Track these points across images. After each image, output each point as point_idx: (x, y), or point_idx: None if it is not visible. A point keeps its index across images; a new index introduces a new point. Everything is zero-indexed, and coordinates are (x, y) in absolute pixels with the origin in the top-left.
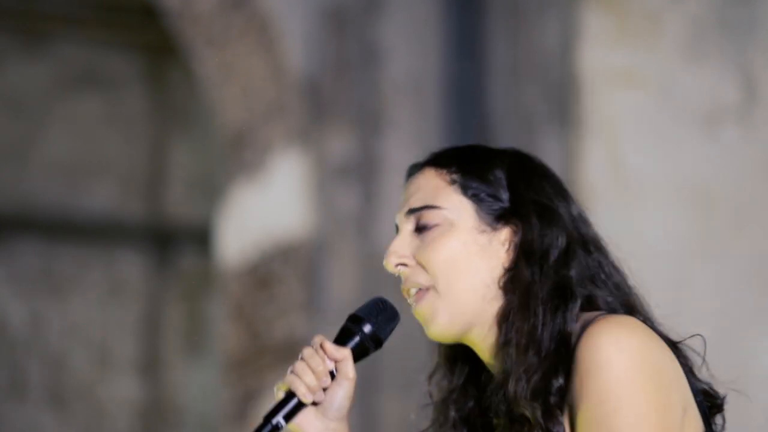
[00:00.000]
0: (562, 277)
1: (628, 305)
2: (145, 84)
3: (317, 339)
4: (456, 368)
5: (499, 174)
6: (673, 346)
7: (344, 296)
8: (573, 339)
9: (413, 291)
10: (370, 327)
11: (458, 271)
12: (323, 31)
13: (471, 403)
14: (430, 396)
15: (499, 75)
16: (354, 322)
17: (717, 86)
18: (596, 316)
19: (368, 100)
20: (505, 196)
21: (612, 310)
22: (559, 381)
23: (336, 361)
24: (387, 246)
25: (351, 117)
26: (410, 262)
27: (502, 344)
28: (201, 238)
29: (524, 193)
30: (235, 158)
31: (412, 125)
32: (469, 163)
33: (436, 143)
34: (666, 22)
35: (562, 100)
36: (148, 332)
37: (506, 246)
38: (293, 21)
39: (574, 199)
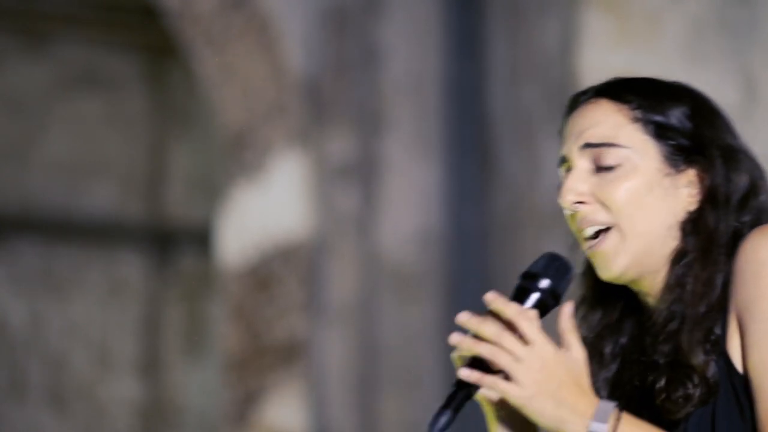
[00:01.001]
0: (740, 224)
1: None
2: (145, 84)
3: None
4: (609, 303)
5: (682, 111)
6: None
7: (344, 296)
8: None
9: (590, 231)
10: (548, 282)
11: (642, 213)
12: (323, 31)
13: (624, 339)
14: (591, 333)
15: (499, 75)
16: (529, 279)
17: (717, 86)
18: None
19: (368, 100)
20: (688, 135)
21: None
22: (719, 330)
23: None
24: (563, 184)
25: (351, 117)
26: (589, 199)
27: (672, 286)
28: (201, 238)
29: (708, 133)
30: (235, 158)
31: (412, 125)
32: (651, 99)
33: (436, 143)
34: (666, 23)
35: (562, 100)
36: (148, 332)
37: (690, 188)
38: (293, 21)
39: (740, 138)
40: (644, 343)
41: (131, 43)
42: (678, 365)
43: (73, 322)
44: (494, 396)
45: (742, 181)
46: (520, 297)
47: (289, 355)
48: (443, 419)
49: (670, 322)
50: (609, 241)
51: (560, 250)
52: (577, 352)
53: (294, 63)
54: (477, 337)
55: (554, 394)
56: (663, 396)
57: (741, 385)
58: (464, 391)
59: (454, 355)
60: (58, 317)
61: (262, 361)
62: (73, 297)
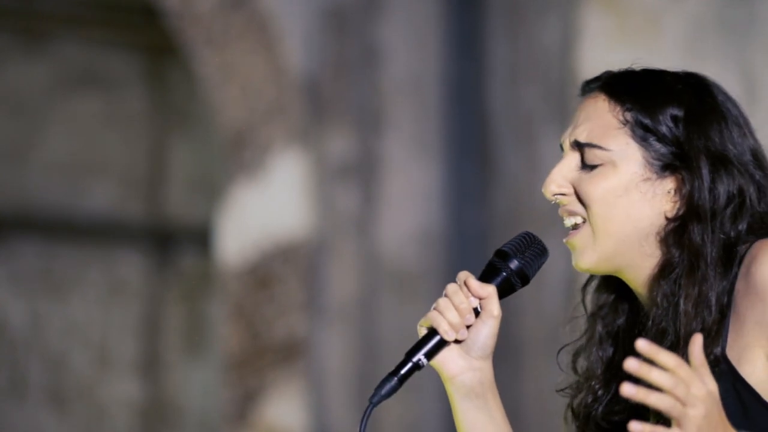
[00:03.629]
0: (729, 236)
1: None
2: (145, 84)
3: (462, 275)
4: (610, 284)
5: (675, 117)
6: None
7: (344, 296)
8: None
9: (569, 221)
10: (517, 263)
11: (615, 212)
12: (323, 31)
13: (620, 321)
14: (585, 308)
15: (499, 75)
16: (500, 257)
17: None
18: (752, 242)
19: (368, 100)
20: (676, 143)
21: None
22: (719, 349)
23: (480, 299)
24: (549, 171)
25: (351, 117)
26: (569, 191)
27: (662, 301)
28: (201, 238)
29: (697, 141)
30: (235, 158)
31: (412, 125)
32: (646, 102)
33: (436, 143)
34: (666, 22)
35: (562, 100)
36: (148, 332)
37: (671, 195)
38: (293, 21)
39: (750, 135)
40: (640, 329)
41: (131, 43)
42: None
43: (73, 322)
44: (450, 369)
45: (729, 190)
46: (488, 274)
47: (289, 354)
48: (388, 386)
49: (663, 340)
50: (581, 235)
51: (560, 249)
52: (713, 386)
53: (294, 63)
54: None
55: None
56: None
57: (748, 396)
58: (413, 361)
59: (421, 322)
60: (58, 317)
61: (262, 360)
62: (73, 297)
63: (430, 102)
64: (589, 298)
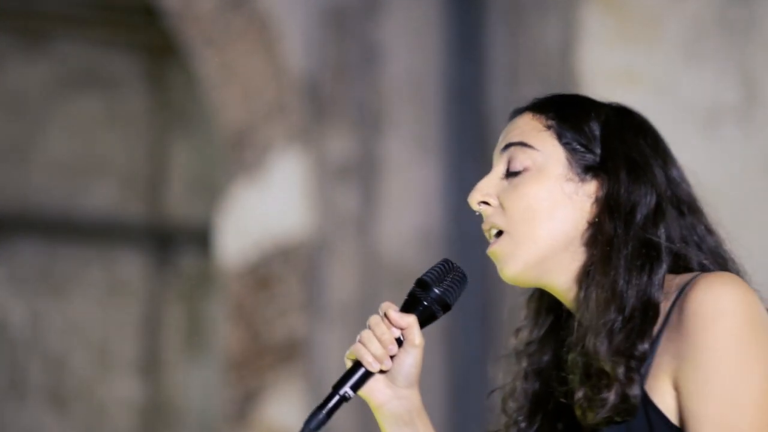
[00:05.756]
0: (648, 237)
1: (724, 268)
2: (145, 84)
3: (384, 306)
4: (539, 320)
5: (595, 126)
6: None
7: (344, 296)
8: (666, 299)
9: (493, 232)
10: (437, 291)
11: (538, 218)
12: (323, 31)
13: (547, 357)
14: (514, 350)
15: (499, 75)
16: (420, 287)
17: (717, 86)
18: (695, 275)
19: (368, 100)
20: (597, 149)
21: (707, 271)
22: (644, 345)
23: (401, 329)
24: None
25: (351, 117)
26: (493, 201)
27: (583, 298)
28: (201, 238)
29: (616, 147)
30: (235, 158)
31: (412, 125)
32: (567, 111)
33: (436, 143)
34: (666, 22)
35: None
36: (148, 332)
37: (592, 199)
38: (293, 21)
39: (673, 161)
40: (564, 357)
41: (131, 43)
42: (590, 372)
43: (73, 322)
44: (378, 398)
45: (647, 195)
46: (409, 303)
47: (289, 354)
48: (316, 420)
49: (583, 334)
50: (501, 245)
51: None
52: None
53: (294, 63)
54: None
55: None
56: (579, 404)
57: (659, 421)
58: (340, 394)
59: (347, 354)
60: (58, 317)
61: (262, 360)
62: (73, 297)
63: (430, 102)
64: (519, 340)
